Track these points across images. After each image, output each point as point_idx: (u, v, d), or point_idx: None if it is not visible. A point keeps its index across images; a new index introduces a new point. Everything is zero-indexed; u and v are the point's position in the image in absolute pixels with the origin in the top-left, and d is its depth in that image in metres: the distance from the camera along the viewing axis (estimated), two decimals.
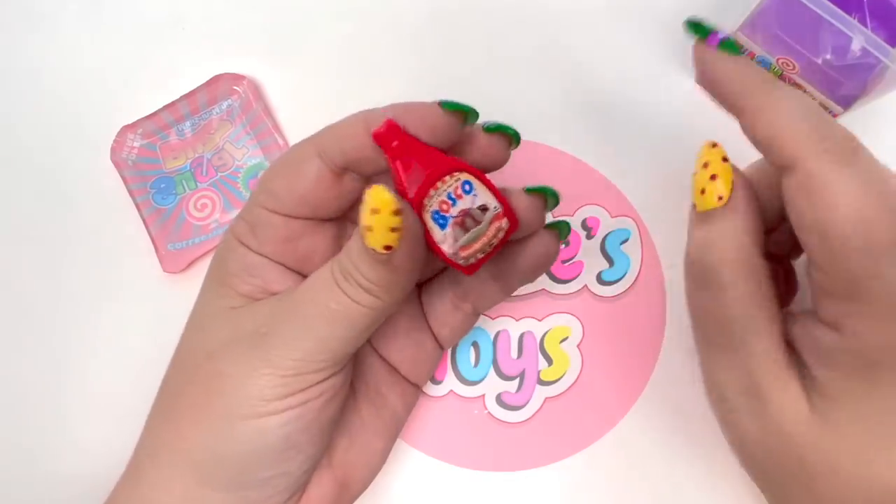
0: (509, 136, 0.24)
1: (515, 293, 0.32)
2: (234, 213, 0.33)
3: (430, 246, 0.22)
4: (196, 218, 0.33)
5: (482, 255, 0.23)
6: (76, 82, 0.36)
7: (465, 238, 0.22)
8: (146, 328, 0.33)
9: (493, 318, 0.32)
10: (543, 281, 0.32)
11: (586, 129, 0.34)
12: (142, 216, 0.33)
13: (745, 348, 0.21)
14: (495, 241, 0.23)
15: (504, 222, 0.22)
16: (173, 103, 0.34)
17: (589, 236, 0.33)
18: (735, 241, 0.21)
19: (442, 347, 0.29)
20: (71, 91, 0.36)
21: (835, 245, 0.18)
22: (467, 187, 0.22)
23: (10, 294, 0.33)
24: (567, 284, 0.32)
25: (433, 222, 0.21)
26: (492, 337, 0.32)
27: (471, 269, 0.23)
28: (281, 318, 0.22)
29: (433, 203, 0.21)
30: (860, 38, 0.26)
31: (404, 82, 0.35)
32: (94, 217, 0.34)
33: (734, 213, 0.21)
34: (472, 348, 0.32)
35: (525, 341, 0.32)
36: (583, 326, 0.32)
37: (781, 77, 0.30)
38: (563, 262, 0.33)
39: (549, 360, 0.32)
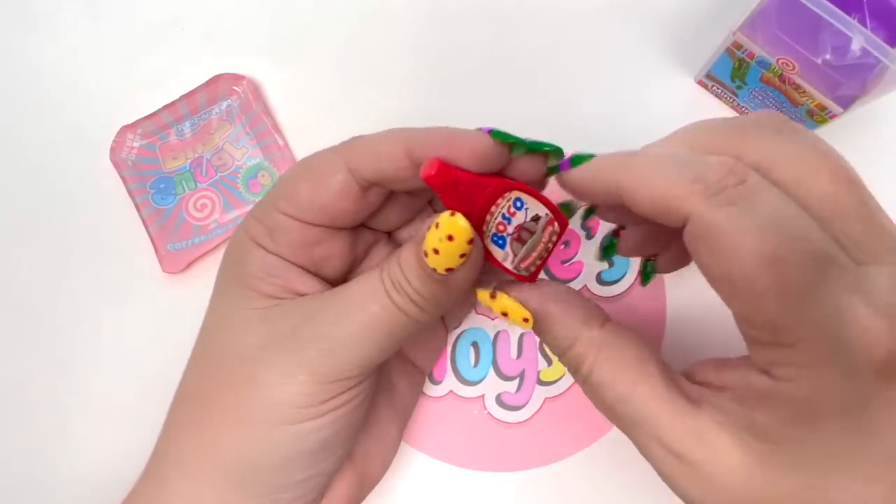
0: (545, 154, 0.23)
1: None
2: (234, 214, 0.33)
3: (491, 263, 0.22)
4: (196, 218, 0.33)
5: (540, 262, 0.23)
6: (76, 82, 0.36)
7: (523, 250, 0.23)
8: (146, 328, 0.33)
9: (492, 318, 0.32)
10: None
11: (586, 129, 0.34)
12: (141, 216, 0.33)
13: (641, 427, 0.20)
14: (550, 246, 0.24)
15: (556, 226, 0.23)
16: (173, 103, 0.34)
17: (589, 236, 0.33)
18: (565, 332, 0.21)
19: (447, 329, 0.30)
20: (71, 91, 0.36)
21: (748, 295, 0.17)
22: (518, 204, 0.22)
23: (10, 294, 0.33)
24: (567, 284, 0.32)
25: (493, 245, 0.22)
26: (492, 337, 0.32)
27: (532, 276, 0.24)
28: (321, 323, 0.22)
29: (491, 228, 0.22)
30: (860, 38, 0.26)
31: (403, 82, 0.35)
32: (94, 217, 0.34)
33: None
34: (471, 348, 0.32)
35: (525, 341, 0.32)
36: None
37: (781, 77, 0.30)
38: (563, 262, 0.33)
39: (549, 361, 0.32)
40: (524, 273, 0.23)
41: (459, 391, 0.32)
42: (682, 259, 0.25)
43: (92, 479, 0.31)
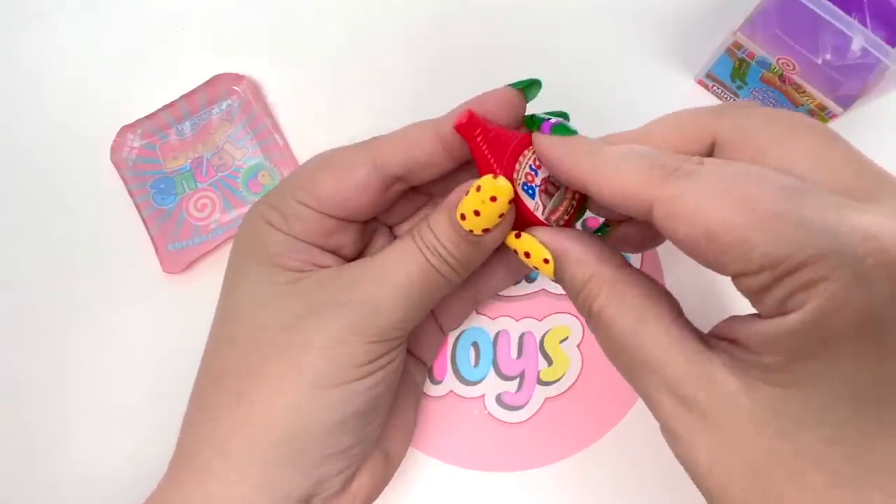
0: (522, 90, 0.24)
1: (513, 294, 0.32)
2: (235, 213, 0.33)
3: (524, 215, 0.23)
4: (196, 218, 0.33)
5: (567, 217, 0.24)
6: (76, 82, 0.36)
7: (551, 203, 0.24)
8: (146, 328, 0.33)
9: (492, 318, 0.32)
10: (544, 281, 0.32)
11: (586, 130, 0.34)
12: (142, 216, 0.33)
13: (650, 371, 0.19)
14: (575, 203, 0.24)
15: None
16: (173, 103, 0.34)
17: None
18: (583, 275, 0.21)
19: (443, 331, 0.30)
20: (71, 91, 0.36)
21: (733, 240, 0.16)
22: None
23: (11, 294, 0.33)
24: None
25: (524, 193, 0.23)
26: (492, 337, 0.32)
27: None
28: (364, 287, 0.23)
29: (520, 177, 0.23)
30: (860, 38, 0.26)
31: (403, 82, 0.35)
32: (94, 217, 0.34)
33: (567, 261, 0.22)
34: (472, 348, 0.32)
35: (525, 341, 0.32)
36: (583, 327, 0.32)
37: (781, 77, 0.30)
38: None
39: (549, 361, 0.32)
40: (555, 226, 0.24)
41: (459, 391, 0.32)
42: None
43: (93, 478, 0.31)
